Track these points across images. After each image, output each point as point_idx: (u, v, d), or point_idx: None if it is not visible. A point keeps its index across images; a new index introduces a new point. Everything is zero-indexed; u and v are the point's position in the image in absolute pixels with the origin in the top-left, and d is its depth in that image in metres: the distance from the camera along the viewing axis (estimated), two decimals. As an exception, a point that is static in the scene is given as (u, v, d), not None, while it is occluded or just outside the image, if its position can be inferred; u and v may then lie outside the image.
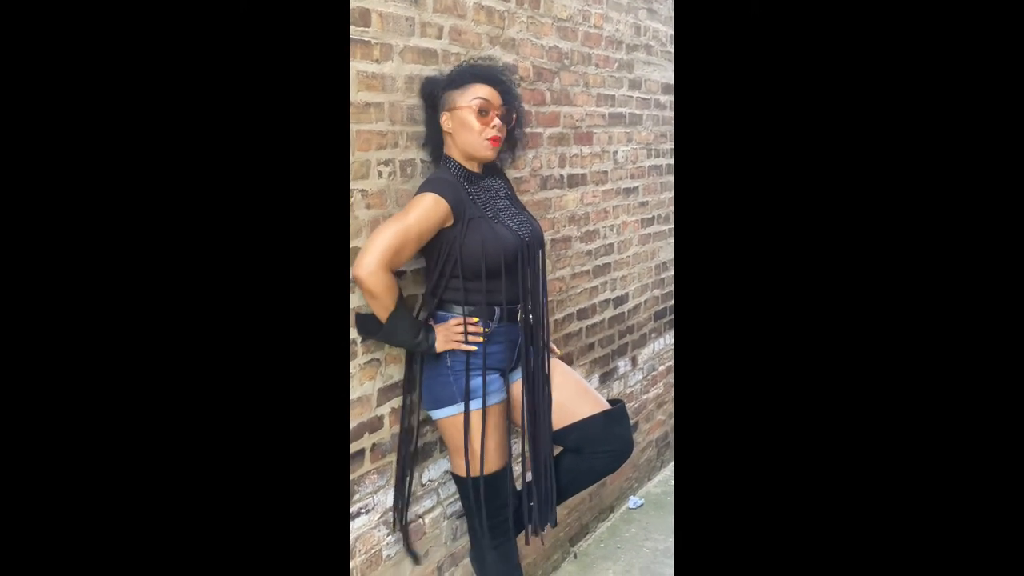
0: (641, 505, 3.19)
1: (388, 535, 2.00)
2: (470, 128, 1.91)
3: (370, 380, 1.91)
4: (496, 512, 1.99)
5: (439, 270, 1.90)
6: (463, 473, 1.96)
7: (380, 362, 1.94)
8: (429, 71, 2.02)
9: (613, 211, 2.96)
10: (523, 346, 2.01)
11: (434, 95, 1.96)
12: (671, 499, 3.21)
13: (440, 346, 1.89)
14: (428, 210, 1.82)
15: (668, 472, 3.50)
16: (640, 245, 3.18)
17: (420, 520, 2.12)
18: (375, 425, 1.94)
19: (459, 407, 1.92)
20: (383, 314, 1.81)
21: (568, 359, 2.67)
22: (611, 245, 2.97)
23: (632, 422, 3.21)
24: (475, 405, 1.92)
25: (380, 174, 1.90)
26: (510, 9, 2.33)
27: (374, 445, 1.94)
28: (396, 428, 2.00)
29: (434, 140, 1.99)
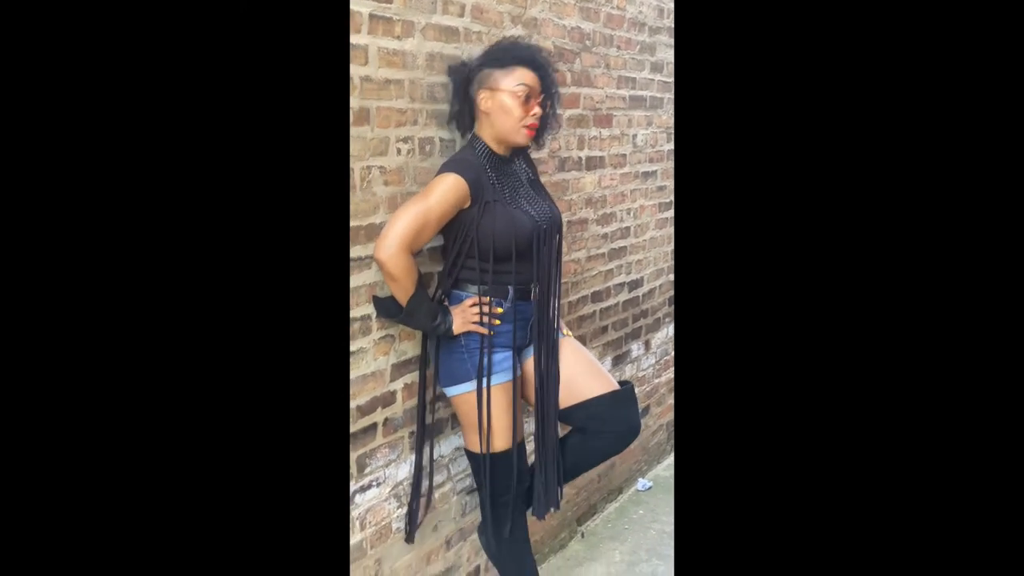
0: (650, 487, 3.21)
1: (398, 508, 2.02)
2: (509, 113, 1.90)
3: (384, 356, 1.93)
4: (506, 489, 2.02)
5: (456, 250, 1.92)
6: (476, 449, 1.99)
7: (394, 338, 1.96)
8: (451, 49, 2.02)
9: (631, 194, 2.96)
10: (535, 324, 2.03)
11: (468, 72, 1.94)
12: (680, 483, 3.23)
13: (457, 328, 1.91)
14: (448, 191, 1.83)
15: (678, 456, 3.51)
16: (657, 229, 3.17)
17: (430, 495, 2.14)
18: (388, 400, 1.96)
19: (473, 384, 1.95)
20: (403, 297, 1.83)
21: (581, 341, 2.68)
22: (627, 228, 2.97)
23: (643, 405, 3.23)
24: (494, 381, 1.95)
25: (399, 151, 1.90)
26: (533, -12, 2.33)
27: (386, 420, 1.96)
28: (409, 403, 2.02)
29: (462, 117, 1.97)
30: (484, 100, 1.92)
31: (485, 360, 1.94)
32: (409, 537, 2.06)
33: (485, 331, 1.92)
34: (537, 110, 1.92)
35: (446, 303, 1.95)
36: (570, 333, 2.18)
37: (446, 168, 1.88)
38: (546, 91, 1.95)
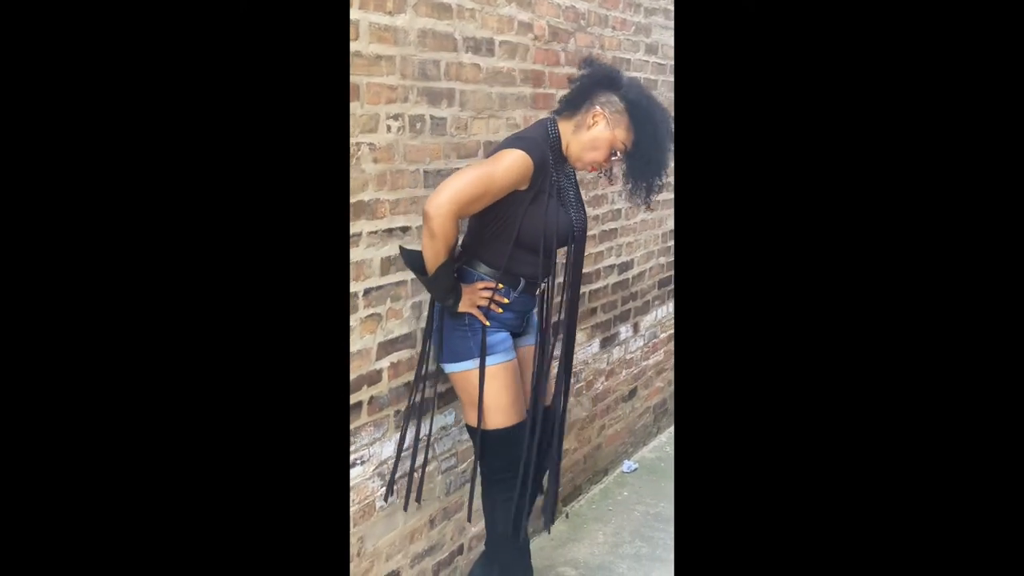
0: (635, 469, 3.22)
1: (382, 487, 2.02)
2: (595, 151, 1.95)
3: (370, 334, 1.93)
4: (504, 467, 2.02)
5: (491, 229, 1.92)
6: (475, 424, 2.00)
7: (381, 316, 1.95)
8: (443, 26, 2.00)
9: (622, 176, 2.94)
10: (538, 320, 2.08)
11: (601, 82, 1.96)
12: (665, 465, 3.24)
13: (462, 307, 1.91)
14: (515, 166, 1.83)
15: (664, 438, 3.52)
16: (648, 212, 3.16)
17: (415, 475, 2.14)
18: (374, 378, 1.96)
19: (474, 362, 1.95)
20: (433, 259, 1.81)
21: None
22: (618, 211, 2.96)
23: (632, 387, 3.24)
24: (491, 361, 1.96)
25: (389, 128, 1.89)
26: (528, -34, 2.30)
27: (372, 398, 1.96)
28: (395, 382, 2.02)
29: (572, 105, 1.98)
30: (594, 116, 1.93)
31: (492, 338, 1.96)
32: (406, 505, 2.09)
33: (485, 320, 1.94)
34: (607, 165, 2.00)
35: (457, 278, 1.95)
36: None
37: (515, 144, 1.87)
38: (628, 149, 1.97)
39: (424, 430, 2.13)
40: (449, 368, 2.01)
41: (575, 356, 2.27)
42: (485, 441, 2.01)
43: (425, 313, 2.07)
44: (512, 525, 2.04)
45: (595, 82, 1.97)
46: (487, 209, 1.89)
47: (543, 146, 1.91)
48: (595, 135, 1.94)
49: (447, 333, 1.98)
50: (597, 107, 1.94)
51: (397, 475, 2.06)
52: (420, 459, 2.06)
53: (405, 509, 2.09)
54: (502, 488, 2.04)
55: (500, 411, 1.99)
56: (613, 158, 1.99)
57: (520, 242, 1.92)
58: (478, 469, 2.07)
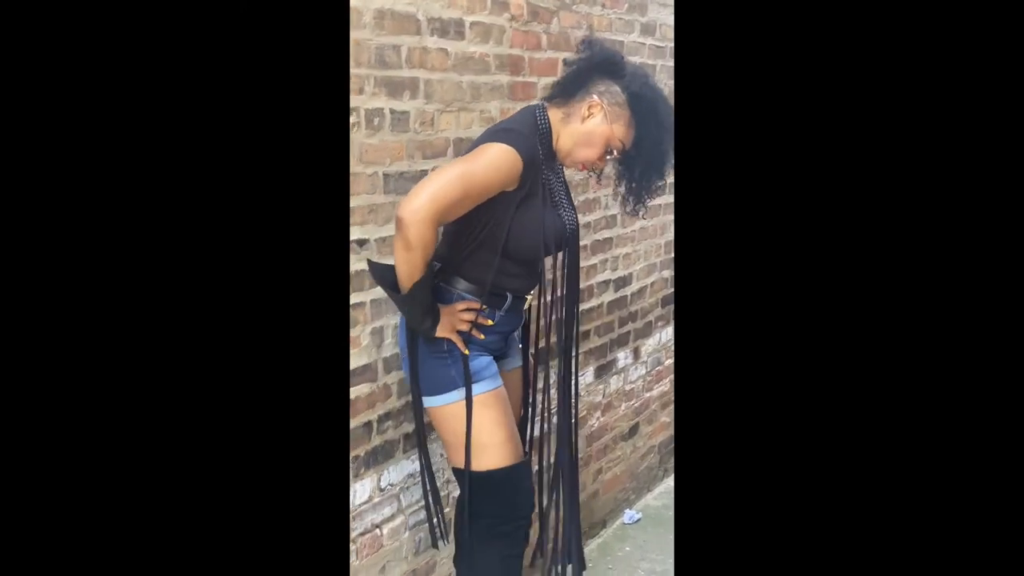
0: (638, 520, 3.23)
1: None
2: (589, 148, 1.95)
3: (322, 366, 1.91)
4: (506, 517, 1.99)
5: (472, 238, 1.90)
6: (462, 466, 1.96)
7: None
8: (403, 5, 1.99)
9: (615, 178, 2.95)
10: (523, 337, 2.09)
11: (601, 65, 1.96)
12: (671, 514, 3.23)
13: (440, 332, 1.88)
14: (500, 162, 1.81)
15: (671, 482, 3.52)
16: (648, 218, 3.17)
17: (377, 531, 2.12)
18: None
19: (459, 393, 1.92)
20: (408, 277, 1.78)
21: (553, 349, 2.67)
22: (613, 217, 2.97)
23: (633, 423, 3.23)
24: (477, 390, 1.93)
25: (341, 125, 1.88)
26: (502, -65, 2.31)
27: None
28: (355, 422, 2.00)
29: (565, 90, 1.98)
30: (590, 107, 1.93)
31: (475, 363, 1.94)
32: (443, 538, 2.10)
33: (464, 348, 1.91)
34: (601, 165, 2.00)
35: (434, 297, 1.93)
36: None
37: (499, 138, 1.85)
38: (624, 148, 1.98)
39: (388, 479, 2.11)
40: (428, 402, 1.97)
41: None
42: (477, 486, 1.96)
43: (387, 341, 2.06)
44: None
45: (594, 66, 1.97)
46: (468, 215, 1.87)
47: (532, 139, 1.90)
48: (590, 129, 1.94)
49: (422, 361, 1.95)
50: (595, 96, 1.94)
51: (355, 533, 2.04)
52: (386, 512, 2.04)
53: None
54: (507, 544, 2.00)
55: (495, 448, 1.96)
56: (608, 157, 1.99)
57: (508, 252, 1.91)
58: (466, 520, 2.01)
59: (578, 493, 2.10)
